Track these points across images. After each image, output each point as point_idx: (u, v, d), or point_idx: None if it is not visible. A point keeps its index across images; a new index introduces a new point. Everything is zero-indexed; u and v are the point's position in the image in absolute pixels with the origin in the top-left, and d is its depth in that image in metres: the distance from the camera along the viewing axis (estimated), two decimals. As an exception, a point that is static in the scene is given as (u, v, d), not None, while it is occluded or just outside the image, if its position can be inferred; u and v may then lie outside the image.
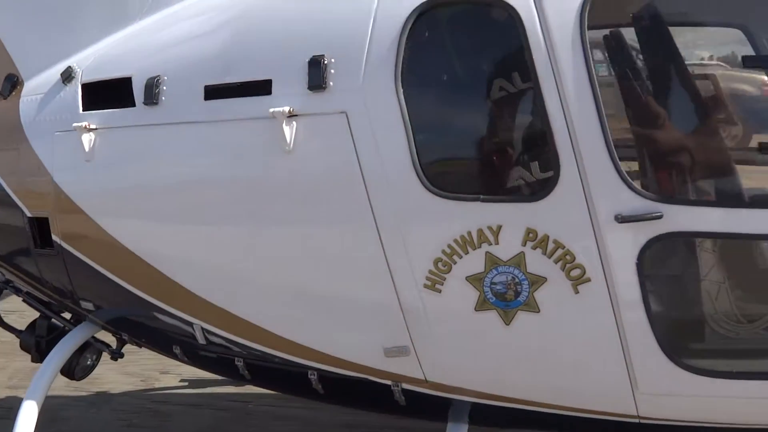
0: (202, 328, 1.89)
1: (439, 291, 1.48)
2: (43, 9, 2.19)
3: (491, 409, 1.66)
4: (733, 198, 1.51)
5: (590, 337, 1.43)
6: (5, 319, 2.73)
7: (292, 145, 1.54)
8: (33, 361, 2.59)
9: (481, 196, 1.44)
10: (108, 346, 2.56)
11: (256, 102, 1.57)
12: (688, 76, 1.60)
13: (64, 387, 3.07)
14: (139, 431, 3.05)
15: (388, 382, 1.66)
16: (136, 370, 3.42)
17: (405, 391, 1.67)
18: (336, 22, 1.54)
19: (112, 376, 3.35)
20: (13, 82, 2.17)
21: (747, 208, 1.47)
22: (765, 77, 1.78)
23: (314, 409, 2.99)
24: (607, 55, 1.58)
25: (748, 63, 1.55)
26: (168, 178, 1.75)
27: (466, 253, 1.45)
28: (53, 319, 2.54)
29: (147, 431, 3.00)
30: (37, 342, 2.51)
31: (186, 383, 3.34)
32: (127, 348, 3.16)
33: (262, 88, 1.60)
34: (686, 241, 1.49)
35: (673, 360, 1.40)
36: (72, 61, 2.01)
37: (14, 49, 2.14)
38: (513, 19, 1.36)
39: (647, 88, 1.59)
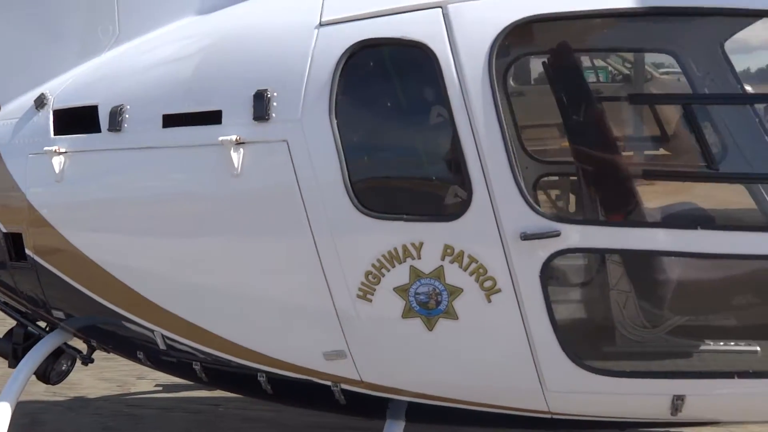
0: (162, 335, 2.00)
1: (370, 300, 1.63)
2: (18, 39, 2.20)
3: (424, 407, 1.81)
4: (621, 218, 1.67)
5: (503, 342, 1.58)
6: None
7: (239, 169, 1.68)
8: (10, 366, 2.64)
9: (405, 216, 1.55)
10: (79, 352, 2.65)
11: (208, 130, 1.69)
12: (589, 107, 1.76)
13: (43, 393, 3.16)
14: None
15: (329, 383, 1.79)
16: (113, 376, 3.51)
17: (344, 391, 1.81)
18: (278, 59, 1.68)
19: (90, 381, 3.48)
20: None
21: (633, 227, 1.62)
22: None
23: (281, 411, 3.08)
24: (513, 90, 1.73)
25: (635, 100, 1.71)
26: (130, 199, 1.88)
27: (393, 266, 1.59)
28: (29, 328, 2.60)
29: None
30: (14, 349, 2.58)
31: (160, 388, 3.40)
32: (105, 355, 3.25)
33: (214, 117, 1.72)
34: (583, 255, 1.65)
35: (574, 361, 1.54)
36: (45, 89, 2.12)
37: None
38: (430, 58, 1.50)
39: (547, 121, 1.76)
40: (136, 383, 3.48)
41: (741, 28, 1.82)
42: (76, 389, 3.40)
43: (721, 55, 1.84)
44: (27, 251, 2.16)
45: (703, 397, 1.55)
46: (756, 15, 1.59)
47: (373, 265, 1.60)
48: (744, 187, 1.86)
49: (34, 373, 2.59)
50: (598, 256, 1.63)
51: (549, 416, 1.67)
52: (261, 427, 3.03)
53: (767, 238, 1.51)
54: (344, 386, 1.80)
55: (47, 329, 2.58)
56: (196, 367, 2.03)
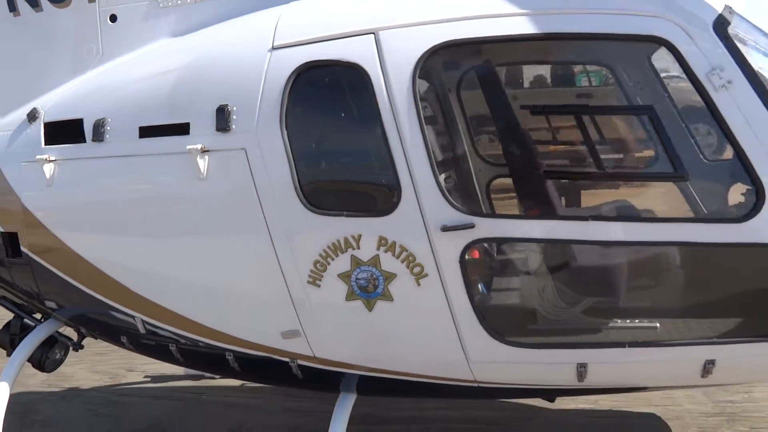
0: (142, 320, 2.19)
1: (319, 286, 1.84)
2: (14, 58, 2.39)
3: (372, 380, 2.02)
4: (529, 211, 1.89)
5: (431, 320, 1.80)
6: None
7: (205, 173, 1.89)
8: (8, 355, 2.76)
9: (345, 212, 1.77)
10: (70, 339, 2.81)
11: (178, 140, 1.91)
12: (500, 117, 1.98)
13: (39, 384, 3.36)
14: (104, 420, 3.29)
15: (287, 359, 2.01)
16: (105, 369, 3.71)
17: (300, 367, 2.03)
18: (237, 78, 1.90)
19: (83, 374, 3.67)
20: None
21: (536, 219, 1.84)
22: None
23: (261, 397, 3.25)
24: (437, 101, 1.94)
25: (539, 110, 1.93)
26: (112, 201, 2.10)
27: (337, 256, 1.80)
28: (25, 319, 2.77)
29: (111, 420, 3.25)
30: (12, 339, 2.75)
31: (149, 378, 3.60)
32: (97, 350, 3.43)
33: (183, 129, 1.93)
34: (496, 244, 1.87)
35: (491, 335, 1.76)
36: (37, 103, 2.30)
37: None
38: (364, 77, 1.72)
39: (465, 129, 1.97)
40: (126, 375, 3.67)
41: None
42: (70, 381, 3.57)
43: (649, 67, 2.05)
44: (22, 248, 2.33)
45: (603, 364, 1.77)
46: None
47: (320, 255, 1.81)
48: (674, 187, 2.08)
49: (31, 363, 2.72)
50: (513, 243, 1.85)
51: (476, 385, 1.88)
52: (240, 412, 3.19)
53: (652, 228, 1.75)
54: (300, 362, 2.02)
55: (41, 320, 2.72)
56: (173, 348, 2.23)
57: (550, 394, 2.08)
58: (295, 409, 2.77)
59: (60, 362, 2.83)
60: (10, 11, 2.32)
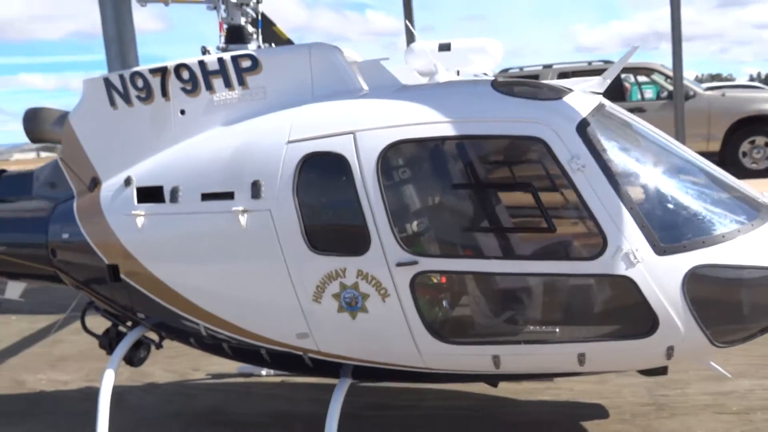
0: (204, 326, 2.90)
1: (320, 302, 2.55)
2: (115, 138, 3.07)
3: (361, 368, 2.75)
4: (458, 251, 2.58)
5: (394, 326, 2.48)
6: (89, 328, 3.51)
7: (245, 226, 2.66)
8: (108, 354, 3.37)
9: (335, 253, 2.49)
10: (153, 341, 3.44)
11: (226, 204, 2.64)
12: (442, 187, 2.65)
13: (125, 380, 4.15)
14: (175, 405, 3.97)
15: (300, 353, 2.73)
16: (175, 368, 4.51)
17: (310, 358, 2.74)
18: (266, 162, 2.60)
19: (159, 372, 4.46)
20: (96, 182, 3.09)
21: (459, 258, 2.53)
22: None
23: (293, 391, 3.99)
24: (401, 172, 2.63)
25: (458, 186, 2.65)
26: (183, 243, 2.84)
27: (330, 282, 2.50)
28: (119, 327, 3.40)
29: (180, 405, 3.99)
30: (110, 342, 3.37)
31: (209, 376, 4.38)
32: (170, 353, 4.02)
33: (230, 195, 2.65)
34: (434, 274, 2.56)
35: (433, 335, 2.45)
36: (130, 172, 2.95)
37: (97, 163, 3.12)
38: (346, 162, 2.43)
39: (416, 195, 2.66)
40: (192, 373, 4.45)
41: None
42: (149, 378, 4.37)
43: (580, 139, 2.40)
44: (121, 276, 3.01)
45: (510, 356, 2.43)
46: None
47: (320, 281, 2.53)
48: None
49: (124, 360, 3.29)
50: (448, 273, 2.54)
51: (429, 371, 2.59)
52: (278, 400, 3.93)
53: (540, 264, 2.43)
54: (310, 355, 2.74)
55: (132, 326, 3.33)
56: (225, 346, 2.97)
57: (491, 379, 2.76)
58: (317, 400, 3.33)
59: (144, 359, 3.46)
60: (111, 105, 3.01)
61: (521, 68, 15.52)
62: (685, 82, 11.70)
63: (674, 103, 10.69)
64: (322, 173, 2.54)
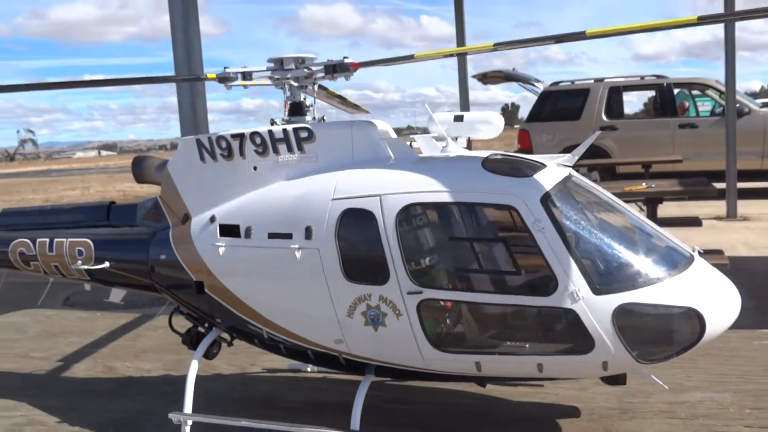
0: (266, 331, 3.52)
1: (352, 317, 3.19)
2: (204, 185, 3.68)
3: (381, 368, 3.50)
4: (452, 285, 3.23)
5: (405, 338, 3.07)
6: (174, 327, 4.18)
7: (299, 259, 3.27)
8: (189, 348, 4.06)
9: (364, 282, 3.11)
10: (225, 340, 4.04)
11: (286, 242, 3.26)
12: (437, 236, 3.30)
13: (198, 370, 5.00)
14: (236, 393, 4.64)
15: (336, 354, 3.38)
16: (237, 363, 5.15)
17: (344, 358, 3.39)
18: (317, 212, 3.24)
19: (224, 365, 5.09)
20: (187, 217, 3.74)
21: (452, 291, 3.21)
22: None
23: (332, 385, 4.61)
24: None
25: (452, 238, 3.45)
26: (253, 268, 3.44)
27: (360, 303, 3.11)
28: (199, 328, 4.04)
29: (240, 392, 4.67)
30: (191, 339, 4.04)
31: (265, 370, 5.05)
32: (231, 350, 4.50)
33: (289, 236, 3.27)
34: (435, 301, 3.31)
35: (431, 343, 3.04)
36: (215, 211, 3.59)
37: (188, 203, 3.75)
38: (374, 217, 3.09)
39: (426, 243, 3.40)
40: (250, 367, 5.11)
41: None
42: (215, 370, 5.02)
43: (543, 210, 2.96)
44: (205, 290, 3.65)
45: (488, 363, 3.07)
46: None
47: (352, 302, 3.14)
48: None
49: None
50: (444, 300, 3.14)
51: (430, 371, 3.25)
52: (318, 391, 4.54)
53: (509, 297, 3.05)
54: (344, 356, 3.36)
55: (209, 328, 3.96)
56: (281, 347, 3.61)
57: (477, 380, 3.55)
58: (350, 393, 3.67)
59: (217, 354, 4.03)
60: (201, 160, 3.68)
61: (572, 81, 15.74)
62: (740, 98, 11.66)
63: (726, 121, 10.70)
64: (356, 224, 3.22)
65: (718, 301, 3.01)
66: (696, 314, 2.88)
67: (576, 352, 2.96)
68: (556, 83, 15.73)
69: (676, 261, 3.08)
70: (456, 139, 3.70)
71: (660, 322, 2.89)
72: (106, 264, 4.23)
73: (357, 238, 3.24)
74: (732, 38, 10.46)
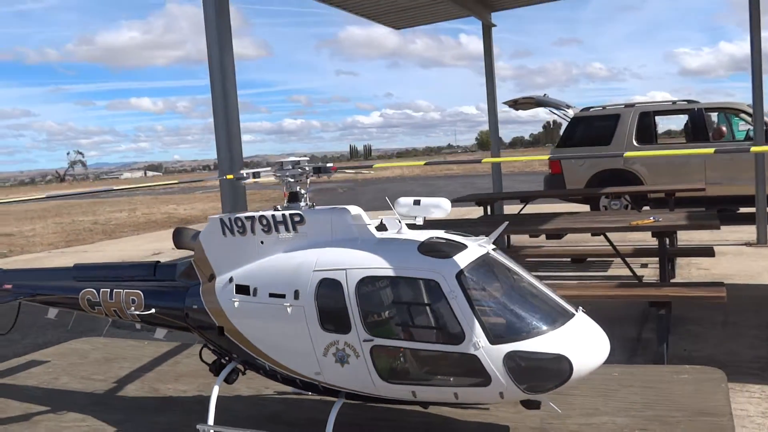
0: (268, 365, 4.26)
1: (326, 356, 3.88)
2: (226, 253, 4.56)
3: (349, 393, 4.51)
4: (392, 335, 4.05)
5: (363, 373, 3.76)
6: (203, 359, 5.01)
7: (290, 313, 4.41)
8: (214, 375, 4.82)
9: (334, 332, 3.86)
10: (240, 370, 4.79)
11: (281, 300, 3.97)
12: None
13: (221, 392, 6.12)
14: (252, 410, 5.27)
15: (317, 383, 4.07)
16: (254, 385, 5.84)
17: (322, 386, 4.08)
18: (302, 279, 4.03)
19: (243, 388, 5.67)
20: (213, 277, 4.52)
21: (395, 339, 4.42)
22: None
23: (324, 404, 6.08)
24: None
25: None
26: (258, 318, 4.20)
27: (331, 347, 3.81)
28: (222, 360, 4.83)
29: (255, 411, 5.25)
30: (216, 368, 4.84)
31: (275, 392, 5.59)
32: (250, 375, 5.19)
33: (283, 296, 3.98)
34: (382, 347, 4.46)
35: (381, 378, 4.22)
36: (232, 274, 4.38)
37: (214, 266, 4.60)
38: (340, 284, 4.02)
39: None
40: (264, 390, 5.71)
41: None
42: (237, 391, 5.64)
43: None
44: (225, 332, 4.45)
45: (420, 392, 4.17)
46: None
47: (326, 345, 3.82)
48: None
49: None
50: (387, 347, 4.36)
51: (382, 396, 4.26)
52: (318, 404, 5.08)
53: (437, 346, 4.17)
54: (322, 384, 4.04)
55: (228, 360, 4.74)
56: (278, 376, 4.31)
57: (417, 404, 4.69)
58: (341, 413, 4.52)
59: (236, 379, 4.80)
60: (222, 234, 4.58)
61: (604, 107, 16.54)
62: None
63: (754, 143, 10.96)
64: (329, 289, 4.00)
65: (586, 348, 4.14)
66: (565, 359, 4.03)
67: (479, 385, 4.12)
68: (587, 108, 16.35)
69: (558, 317, 4.19)
70: (415, 218, 4.92)
71: (538, 364, 4.04)
72: (153, 310, 5.57)
73: (330, 300, 4.05)
74: (759, 62, 10.79)
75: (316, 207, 4.99)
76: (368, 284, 4.29)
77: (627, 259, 8.45)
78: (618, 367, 6.17)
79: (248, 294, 4.46)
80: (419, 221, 4.82)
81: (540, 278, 4.48)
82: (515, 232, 11.18)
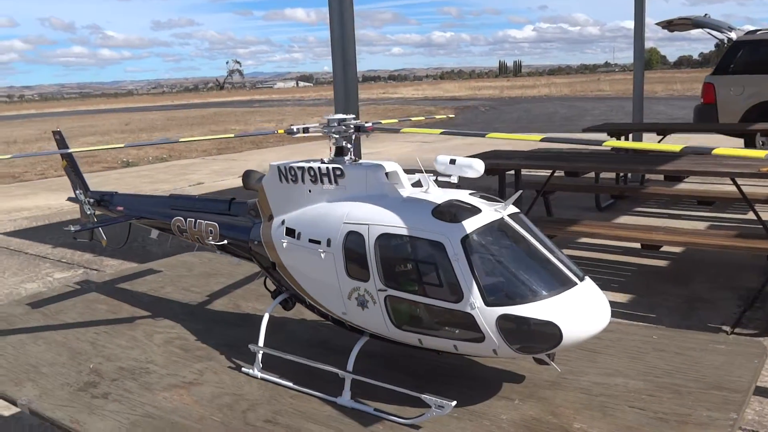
0: (307, 300, 4.47)
1: (350, 299, 3.74)
2: (280, 198, 5.28)
3: (372, 334, 5.25)
4: (402, 288, 4.53)
5: (379, 317, 3.69)
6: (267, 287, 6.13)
7: (323, 258, 4.37)
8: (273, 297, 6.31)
9: (356, 280, 3.93)
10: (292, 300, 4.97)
11: (317, 246, 4.12)
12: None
13: (290, 314, 5.67)
14: (308, 335, 6.64)
15: (343, 321, 4.06)
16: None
17: (348, 325, 3.93)
18: (333, 229, 4.03)
19: (309, 313, 7.40)
20: (271, 217, 4.83)
21: (404, 291, 4.93)
22: None
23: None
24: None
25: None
26: (300, 258, 4.80)
27: (354, 292, 3.76)
28: (280, 289, 4.97)
29: (311, 336, 6.60)
30: (275, 296, 5.46)
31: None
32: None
33: (319, 242, 4.14)
34: (394, 297, 4.96)
35: (392, 324, 4.36)
36: (284, 217, 4.64)
37: (273, 208, 5.19)
38: (362, 236, 4.55)
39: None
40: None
41: None
42: (300, 315, 6.98)
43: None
44: (276, 268, 4.71)
45: (425, 340, 4.81)
46: None
47: (349, 290, 3.85)
48: None
49: (280, 304, 5.54)
50: (398, 298, 5.00)
51: (393, 339, 4.84)
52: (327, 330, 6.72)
53: (440, 302, 4.73)
54: (348, 323, 4.03)
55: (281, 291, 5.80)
56: (315, 311, 4.27)
57: (431, 350, 5.18)
58: (376, 344, 4.89)
59: (293, 306, 5.16)
60: (279, 181, 5.31)
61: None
62: None
63: None
64: (354, 241, 4.52)
65: (580, 317, 4.37)
66: (555, 326, 4.33)
67: (474, 340, 4.48)
68: (753, 32, 14.91)
69: (558, 285, 4.39)
70: (450, 176, 5.26)
71: (528, 328, 4.33)
72: (226, 241, 6.39)
73: (354, 250, 4.68)
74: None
75: (360, 161, 5.45)
76: (385, 240, 4.69)
77: (758, 205, 8.08)
78: (660, 329, 6.23)
79: (294, 237, 5.29)
80: (454, 179, 5.14)
81: (554, 245, 4.69)
82: (631, 170, 10.88)
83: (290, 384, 5.40)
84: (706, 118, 13.96)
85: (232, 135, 6.07)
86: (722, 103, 14.30)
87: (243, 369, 6.05)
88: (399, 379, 4.91)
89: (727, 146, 15.21)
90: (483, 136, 4.80)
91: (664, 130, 11.99)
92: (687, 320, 6.10)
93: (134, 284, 8.85)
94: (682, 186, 10.23)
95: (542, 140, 4.54)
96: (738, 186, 7.97)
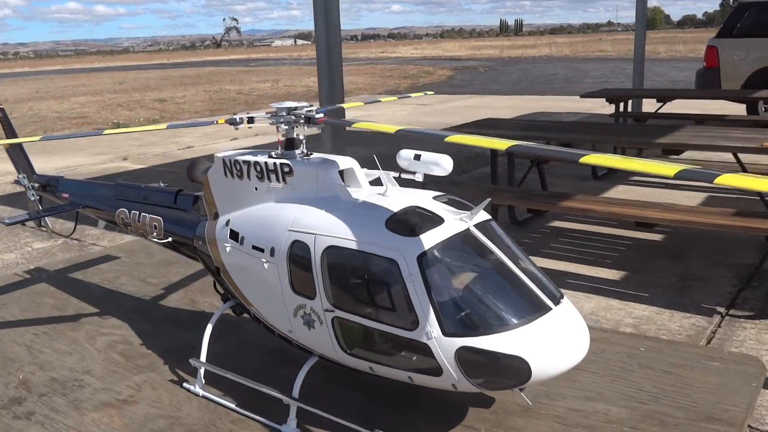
0: (252, 312, 4.46)
1: (296, 317, 3.94)
2: (225, 194, 4.59)
3: (318, 354, 4.76)
4: (350, 309, 3.87)
5: (326, 338, 4.01)
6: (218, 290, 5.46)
7: (266, 269, 4.54)
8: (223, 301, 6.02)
9: (301, 296, 4.00)
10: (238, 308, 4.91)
11: (260, 254, 3.96)
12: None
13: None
14: (263, 341, 6.44)
15: (290, 339, 4.41)
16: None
17: (295, 343, 4.36)
18: (278, 236, 4.01)
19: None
20: (217, 215, 4.58)
21: (352, 314, 4.05)
22: None
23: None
24: None
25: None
26: (242, 267, 4.29)
27: (299, 309, 3.90)
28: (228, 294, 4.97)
29: (265, 341, 6.08)
30: (224, 300, 5.18)
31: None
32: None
33: (262, 251, 3.97)
34: (341, 318, 4.39)
35: (339, 348, 4.01)
36: (229, 216, 4.44)
37: (218, 205, 4.67)
38: (308, 247, 3.89)
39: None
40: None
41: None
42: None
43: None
44: (220, 273, 4.66)
45: (378, 369, 4.19)
46: None
47: (295, 307, 3.79)
48: None
49: (230, 309, 4.92)
50: (345, 320, 4.35)
51: (342, 364, 4.53)
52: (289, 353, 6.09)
53: (391, 328, 3.89)
54: (294, 341, 4.10)
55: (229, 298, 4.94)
56: (262, 325, 4.51)
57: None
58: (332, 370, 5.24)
59: (243, 314, 4.97)
60: (224, 175, 4.54)
61: None
62: None
63: None
64: (299, 253, 3.89)
65: (552, 350, 3.78)
66: (523, 361, 3.72)
67: (431, 373, 3.92)
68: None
69: (529, 311, 3.79)
70: (414, 174, 4.59)
71: (492, 363, 3.75)
72: (170, 238, 5.79)
73: (299, 263, 3.95)
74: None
75: (313, 156, 4.80)
76: (333, 253, 4.12)
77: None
78: (649, 341, 5.66)
79: (237, 241, 4.50)
80: (419, 177, 4.51)
81: (529, 258, 4.07)
82: (628, 143, 10.28)
83: (233, 405, 4.98)
84: (708, 83, 13.35)
85: (164, 126, 5.39)
86: (725, 68, 13.66)
87: (185, 384, 5.49)
88: (352, 401, 4.58)
89: (731, 111, 14.27)
90: (442, 139, 4.12)
91: (664, 97, 11.31)
92: (680, 299, 6.10)
93: (87, 273, 8.26)
94: (684, 156, 9.60)
95: (510, 148, 3.83)
96: (739, 160, 7.83)
